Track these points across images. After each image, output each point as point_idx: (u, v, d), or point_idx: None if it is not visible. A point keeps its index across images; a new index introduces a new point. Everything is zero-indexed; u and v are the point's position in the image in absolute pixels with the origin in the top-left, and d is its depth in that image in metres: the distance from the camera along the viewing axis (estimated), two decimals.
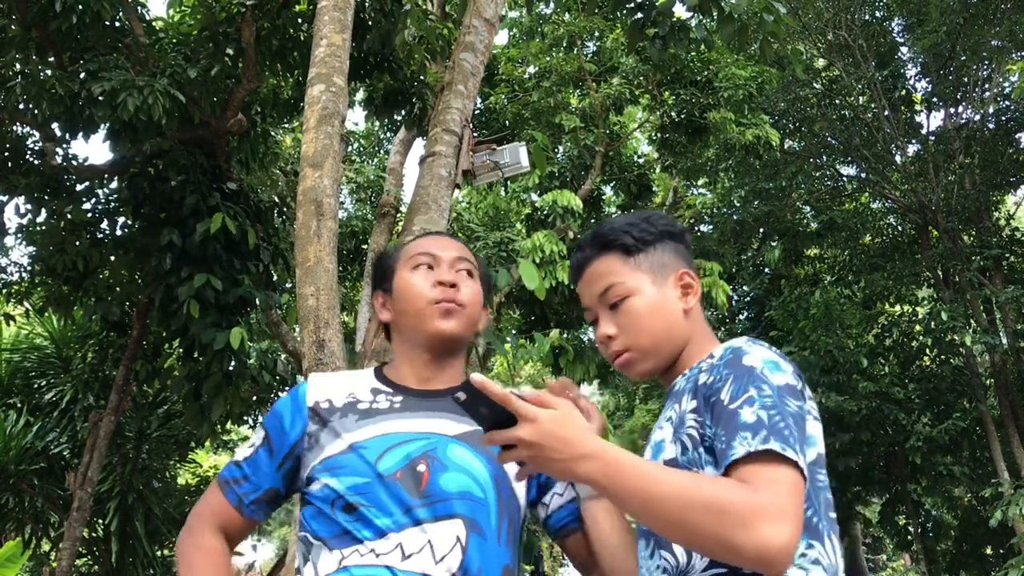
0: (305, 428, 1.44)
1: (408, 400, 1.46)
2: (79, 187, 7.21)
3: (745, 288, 18.75)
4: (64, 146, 6.97)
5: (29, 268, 7.75)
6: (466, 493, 1.35)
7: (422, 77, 7.19)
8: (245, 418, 9.72)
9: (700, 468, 1.20)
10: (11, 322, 8.27)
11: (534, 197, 14.64)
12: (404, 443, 1.38)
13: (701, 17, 5.45)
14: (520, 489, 1.45)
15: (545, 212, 12.41)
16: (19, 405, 8.69)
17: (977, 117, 15.10)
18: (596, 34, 14.21)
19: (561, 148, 14.47)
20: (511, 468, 1.39)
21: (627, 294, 1.36)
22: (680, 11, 5.59)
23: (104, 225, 7.30)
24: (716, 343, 1.38)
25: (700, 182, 17.40)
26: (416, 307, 1.51)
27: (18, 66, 6.18)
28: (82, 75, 5.99)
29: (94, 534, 8.85)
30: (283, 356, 8.48)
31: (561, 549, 1.48)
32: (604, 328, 1.38)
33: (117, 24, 6.43)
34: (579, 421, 1.11)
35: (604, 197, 16.17)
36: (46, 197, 7.08)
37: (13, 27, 6.10)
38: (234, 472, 1.48)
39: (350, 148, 13.69)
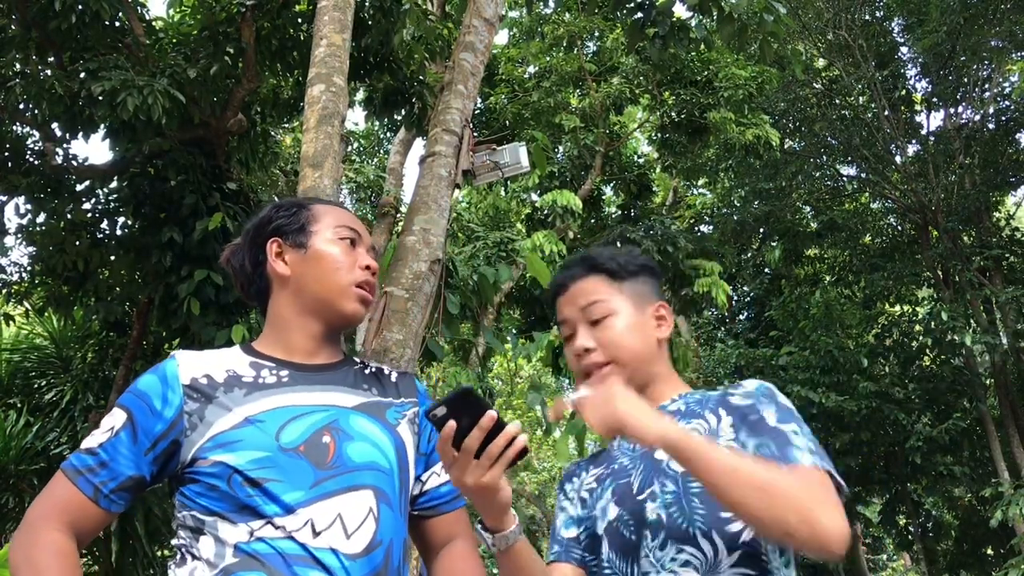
0: (182, 407, 1.32)
1: (295, 374, 1.39)
2: (79, 187, 7.20)
3: (745, 288, 18.75)
4: (64, 146, 6.96)
5: (29, 268, 7.74)
6: (373, 463, 1.33)
7: (422, 77, 7.19)
8: None
9: None
10: (11, 322, 8.26)
11: (534, 197, 14.64)
12: (303, 415, 1.32)
13: (701, 17, 5.44)
14: (411, 462, 1.42)
15: (545, 212, 12.42)
16: (19, 405, 8.68)
17: (977, 117, 15.10)
18: (596, 34, 14.21)
19: (561, 148, 14.47)
20: (408, 439, 1.41)
21: (610, 312, 1.45)
22: (680, 11, 5.59)
23: (104, 225, 7.29)
24: (681, 382, 1.52)
25: (700, 182, 17.40)
26: (335, 281, 1.43)
27: (18, 66, 6.17)
28: (82, 75, 5.99)
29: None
30: None
31: (410, 528, 1.43)
32: (582, 341, 1.45)
33: (117, 24, 6.42)
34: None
35: (604, 197, 16.17)
36: (46, 197, 7.07)
37: (13, 27, 6.09)
38: (86, 461, 1.31)
39: (350, 148, 13.69)
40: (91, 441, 1.34)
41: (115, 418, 1.34)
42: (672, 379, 1.51)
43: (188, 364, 1.38)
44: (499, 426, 1.14)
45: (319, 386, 1.38)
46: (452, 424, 1.12)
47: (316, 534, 1.25)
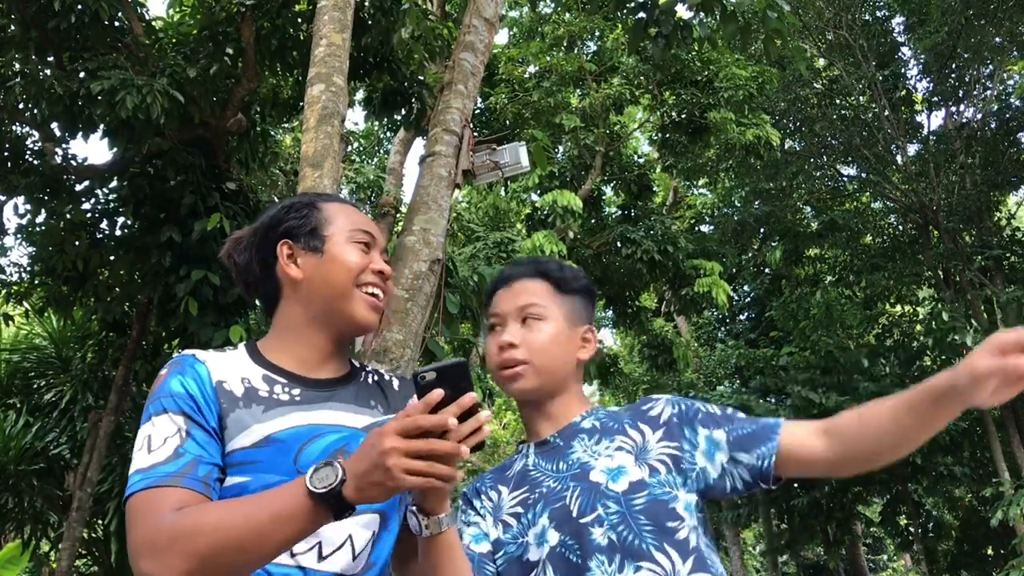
0: (220, 409, 1.27)
1: (306, 392, 1.34)
2: (79, 187, 7.19)
3: (746, 288, 18.74)
4: (64, 146, 6.95)
5: (29, 268, 7.74)
6: None
7: (421, 77, 7.18)
8: None
9: (675, 488, 1.38)
10: (11, 322, 8.25)
11: (534, 197, 14.62)
12: (318, 437, 1.30)
13: (704, 16, 5.43)
14: None
15: (545, 212, 12.41)
16: (19, 405, 8.67)
17: (978, 117, 15.09)
18: (596, 34, 14.20)
19: (561, 148, 14.46)
20: None
21: (543, 317, 1.52)
22: (680, 11, 5.56)
23: (104, 225, 7.28)
24: (586, 400, 1.58)
25: (700, 182, 17.39)
26: (348, 286, 1.38)
27: (17, 66, 6.16)
28: (81, 74, 5.98)
29: (94, 534, 8.81)
30: None
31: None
32: (509, 336, 1.51)
33: (116, 24, 6.41)
34: None
35: (604, 197, 16.16)
36: (46, 197, 7.06)
37: (12, 27, 6.08)
38: (171, 468, 1.18)
39: (350, 148, 13.68)
40: (160, 453, 1.20)
41: (172, 422, 1.24)
42: (580, 397, 1.57)
43: (214, 365, 1.33)
44: (472, 409, 1.12)
45: (330, 404, 1.35)
46: (439, 392, 1.09)
47: (322, 558, 1.24)
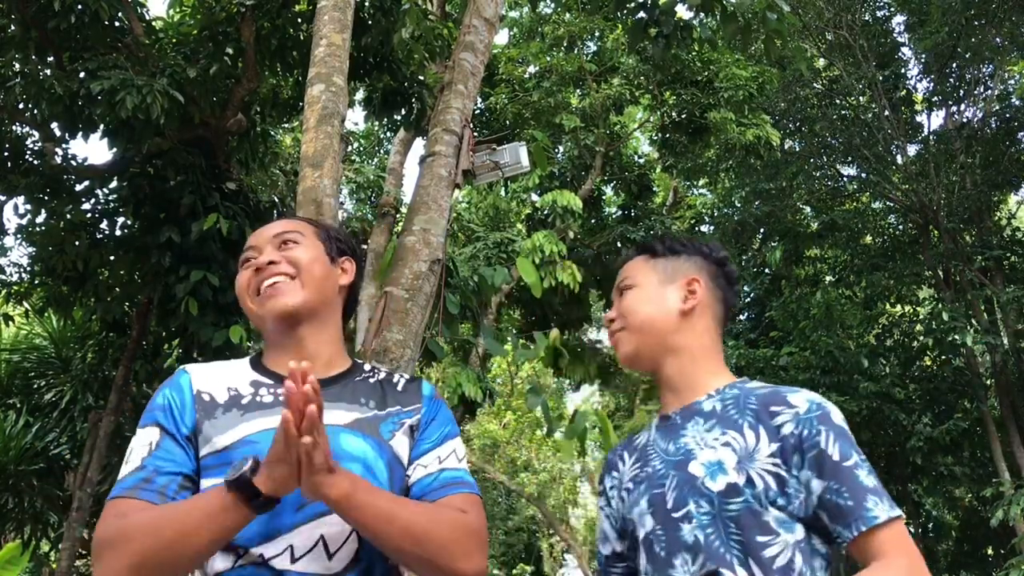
0: (196, 418, 1.35)
1: None
2: (79, 187, 7.19)
3: (746, 288, 18.72)
4: (64, 146, 6.95)
5: (29, 268, 7.73)
6: None
7: (421, 77, 7.18)
8: None
9: (765, 508, 1.30)
10: (11, 322, 8.25)
11: (534, 197, 14.63)
12: None
13: (704, 16, 5.43)
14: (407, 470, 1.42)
15: (545, 212, 12.41)
16: (19, 405, 8.67)
17: (979, 117, 15.08)
18: (596, 34, 14.20)
19: (561, 148, 14.47)
20: (402, 449, 1.40)
21: (634, 284, 1.56)
22: (681, 11, 5.56)
23: (103, 225, 7.28)
24: (726, 371, 1.51)
25: (700, 182, 17.38)
26: (245, 303, 1.47)
27: (17, 66, 6.16)
28: (81, 75, 5.98)
29: (94, 534, 8.83)
30: None
31: None
32: (610, 312, 1.58)
33: (117, 24, 6.42)
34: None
35: (604, 197, 16.16)
36: (46, 197, 7.06)
37: (12, 27, 6.08)
38: (136, 478, 1.28)
39: (350, 148, 13.69)
40: (129, 465, 1.32)
41: (147, 435, 1.35)
42: (706, 361, 1.50)
43: (198, 377, 1.41)
44: None
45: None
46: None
47: (294, 559, 1.25)
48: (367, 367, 1.54)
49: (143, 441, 1.34)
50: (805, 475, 1.31)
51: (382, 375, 1.53)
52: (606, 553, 1.53)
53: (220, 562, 1.27)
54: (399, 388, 1.51)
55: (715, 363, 1.50)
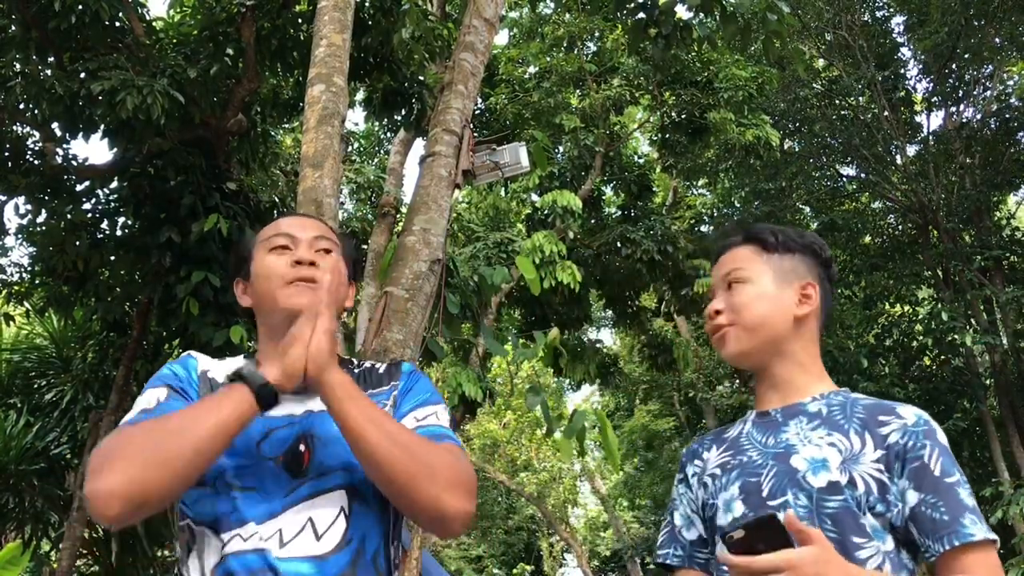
0: (200, 396, 1.40)
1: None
2: (79, 187, 7.20)
3: None
4: (64, 146, 6.96)
5: (29, 268, 7.74)
6: (347, 464, 1.34)
7: (421, 77, 7.18)
8: None
9: (863, 512, 1.30)
10: (11, 322, 8.26)
11: (534, 197, 14.62)
12: (282, 427, 1.36)
13: (704, 17, 5.44)
14: None
15: (545, 212, 12.40)
16: (19, 405, 8.67)
17: (978, 117, 15.09)
18: (596, 34, 14.20)
19: (561, 148, 14.46)
20: None
21: (746, 279, 1.49)
22: (680, 11, 5.58)
23: (104, 225, 7.29)
24: (829, 379, 1.49)
25: (700, 182, 17.39)
26: (271, 287, 1.45)
27: (18, 66, 6.17)
28: (82, 75, 5.99)
29: (94, 534, 8.82)
30: None
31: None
32: (715, 304, 1.51)
33: (117, 24, 6.42)
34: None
35: (604, 197, 16.15)
36: (46, 197, 7.07)
37: (13, 27, 6.09)
38: (152, 414, 1.32)
39: (350, 148, 13.69)
40: (141, 404, 1.36)
41: (154, 393, 1.38)
42: (812, 367, 1.48)
43: (203, 361, 1.48)
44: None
45: (299, 395, 1.39)
46: (752, 560, 1.14)
47: (283, 544, 1.27)
48: (353, 361, 1.59)
49: (149, 398, 1.37)
50: (902, 484, 1.31)
51: (366, 366, 1.58)
52: (691, 538, 1.50)
53: (213, 557, 1.29)
54: (380, 372, 1.56)
55: (820, 368, 1.49)
